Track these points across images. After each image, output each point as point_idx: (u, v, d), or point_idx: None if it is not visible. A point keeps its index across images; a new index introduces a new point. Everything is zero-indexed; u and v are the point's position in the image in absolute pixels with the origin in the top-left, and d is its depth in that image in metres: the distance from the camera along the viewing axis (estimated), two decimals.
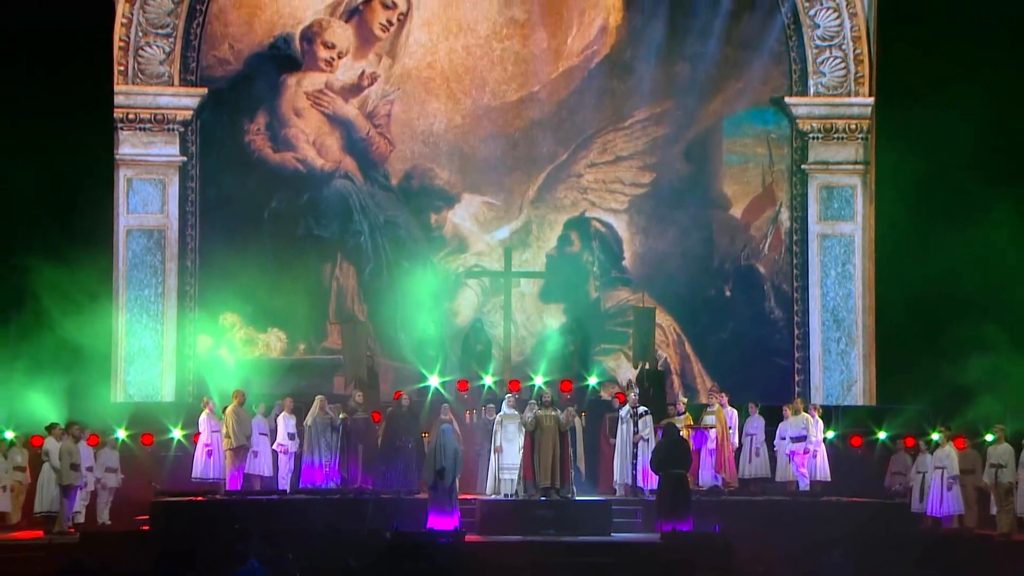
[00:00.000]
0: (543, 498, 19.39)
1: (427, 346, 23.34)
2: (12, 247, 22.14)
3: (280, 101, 24.44)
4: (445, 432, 19.03)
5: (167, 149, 24.23)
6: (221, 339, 23.99)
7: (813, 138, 24.70)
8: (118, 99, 24.04)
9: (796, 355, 24.56)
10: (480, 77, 24.64)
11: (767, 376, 23.98)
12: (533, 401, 20.28)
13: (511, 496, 19.78)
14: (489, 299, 24.42)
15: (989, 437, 20.30)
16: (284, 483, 20.47)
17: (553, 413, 19.97)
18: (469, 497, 19.71)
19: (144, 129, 24.20)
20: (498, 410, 20.58)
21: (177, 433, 21.45)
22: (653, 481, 19.54)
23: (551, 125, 24.70)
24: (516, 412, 20.28)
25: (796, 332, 24.61)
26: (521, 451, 19.79)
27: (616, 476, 20.61)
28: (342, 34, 24.56)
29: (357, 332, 23.05)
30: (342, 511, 18.94)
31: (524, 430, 19.89)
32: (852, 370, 24.44)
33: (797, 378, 24.38)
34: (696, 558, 17.19)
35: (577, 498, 19.69)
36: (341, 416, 20.44)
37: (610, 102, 24.73)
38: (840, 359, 24.50)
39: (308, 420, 20.31)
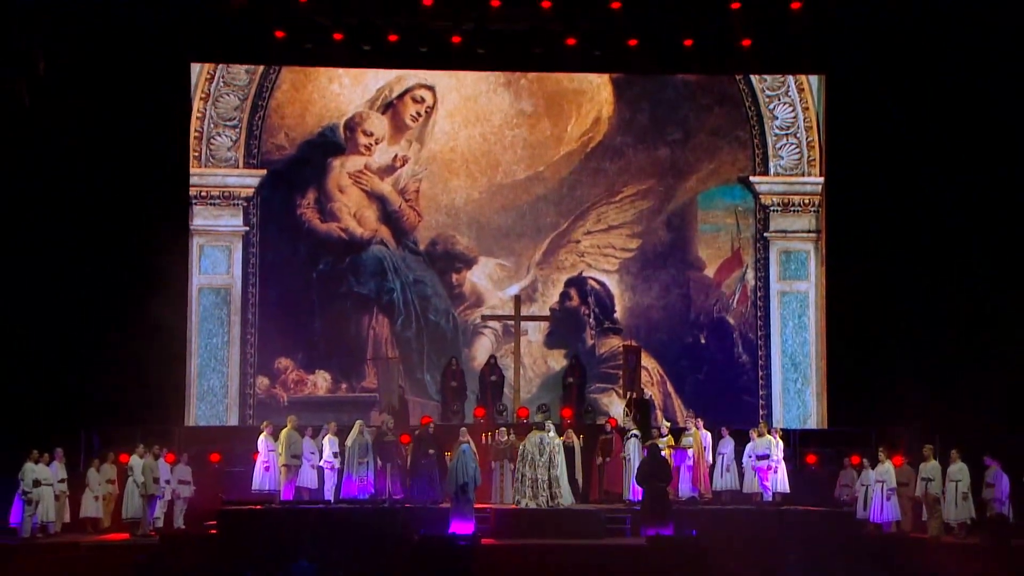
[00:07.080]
0: (547, 507, 19.66)
1: (450, 381, 23.52)
2: (100, 300, 22.35)
3: (327, 180, 24.65)
4: (464, 451, 19.13)
5: (233, 220, 24.49)
6: (276, 380, 24.26)
7: (773, 211, 24.87)
8: (193, 179, 24.27)
9: (760, 393, 24.52)
10: (494, 159, 24.91)
11: (736, 410, 23.86)
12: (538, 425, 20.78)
13: (520, 505, 19.99)
14: (502, 346, 24.47)
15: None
16: (329, 494, 20.48)
17: (554, 435, 20.50)
18: (485, 506, 19.85)
19: (214, 204, 24.45)
20: (509, 432, 20.92)
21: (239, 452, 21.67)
22: (639, 493, 19.73)
23: (554, 199, 24.89)
24: (525, 434, 20.60)
25: (760, 374, 24.61)
26: (529, 467, 20.17)
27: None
28: (379, 124, 24.86)
29: (390, 367, 23.44)
30: (377, 518, 19.15)
31: (531, 448, 20.43)
32: (807, 405, 24.44)
33: (761, 412, 24.24)
34: (676, 558, 17.56)
35: (575, 507, 19.97)
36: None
37: (603, 180, 24.91)
38: (797, 396, 24.51)
39: (349, 441, 20.38)
